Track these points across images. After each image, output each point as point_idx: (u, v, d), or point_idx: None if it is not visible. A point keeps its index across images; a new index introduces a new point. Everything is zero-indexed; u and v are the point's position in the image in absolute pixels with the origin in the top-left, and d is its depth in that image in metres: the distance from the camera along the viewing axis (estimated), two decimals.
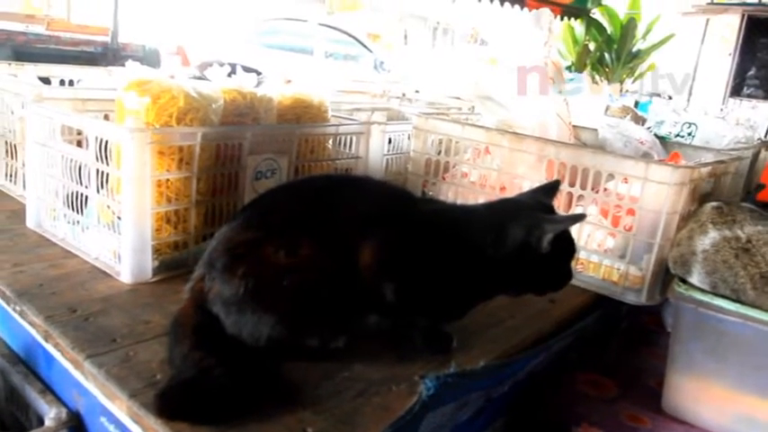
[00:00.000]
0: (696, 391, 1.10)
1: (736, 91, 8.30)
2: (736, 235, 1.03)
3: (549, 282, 0.91)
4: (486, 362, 0.85)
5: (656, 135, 1.63)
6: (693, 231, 1.08)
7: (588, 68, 8.32)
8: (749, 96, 8.33)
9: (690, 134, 1.72)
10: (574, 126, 1.51)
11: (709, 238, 1.05)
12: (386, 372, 0.82)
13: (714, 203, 1.12)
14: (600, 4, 7.57)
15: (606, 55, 8.37)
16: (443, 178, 1.38)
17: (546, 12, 1.27)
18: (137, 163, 0.99)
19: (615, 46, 8.31)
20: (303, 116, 1.32)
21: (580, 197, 1.22)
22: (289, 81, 1.37)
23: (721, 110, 7.93)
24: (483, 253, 0.85)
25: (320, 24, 7.81)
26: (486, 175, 1.32)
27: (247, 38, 7.29)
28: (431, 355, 0.88)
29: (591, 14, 7.71)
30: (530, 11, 6.27)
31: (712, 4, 7.72)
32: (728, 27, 7.96)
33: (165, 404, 0.71)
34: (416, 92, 2.81)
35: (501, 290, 0.91)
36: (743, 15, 7.75)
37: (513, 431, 1.03)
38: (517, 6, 5.70)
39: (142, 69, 1.11)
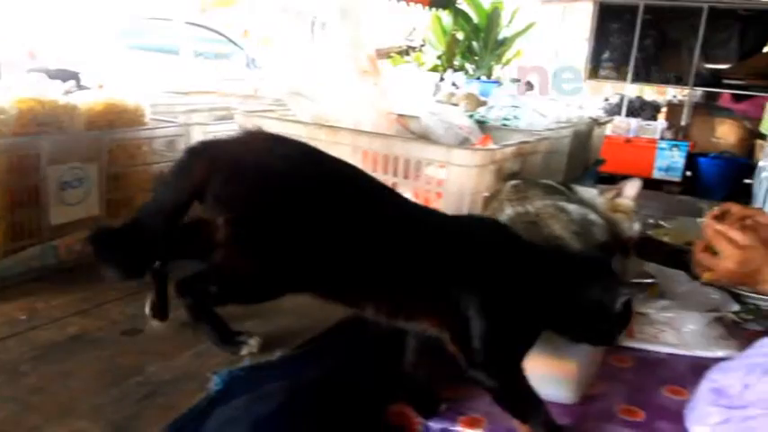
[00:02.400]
0: None
1: (594, 73, 8.87)
2: (527, 210, 1.11)
3: (598, 336, 0.95)
4: (284, 353, 0.87)
5: (481, 120, 1.73)
6: (494, 209, 1.16)
7: (458, 57, 8.64)
8: (605, 78, 8.92)
9: (516, 117, 1.83)
10: (402, 115, 1.56)
11: (505, 215, 1.13)
12: (178, 371, 0.82)
13: (513, 182, 1.20)
14: None
15: (474, 43, 8.71)
16: None
17: (356, 4, 1.29)
18: None
19: (482, 35, 8.67)
20: (117, 122, 1.29)
21: (396, 184, 1.27)
22: (101, 86, 1.33)
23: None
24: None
25: (187, 23, 7.59)
26: None
27: (108, 39, 6.96)
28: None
29: (457, 5, 7.95)
30: (407, 5, 6.45)
31: None
32: (583, 14, 8.48)
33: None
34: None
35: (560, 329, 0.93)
36: (595, 2, 8.29)
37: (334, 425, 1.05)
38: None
39: None
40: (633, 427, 1.04)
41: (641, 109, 8.75)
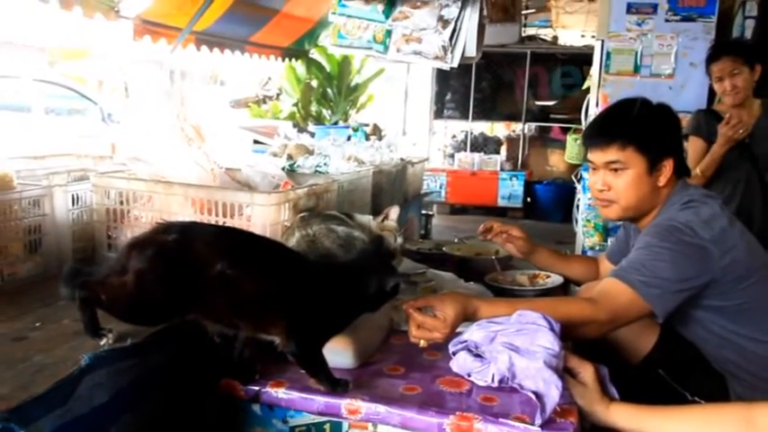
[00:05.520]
0: None
1: (439, 113, 9.64)
2: (308, 232, 1.59)
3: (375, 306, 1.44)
4: (135, 341, 1.28)
5: (292, 169, 2.22)
6: (288, 234, 1.63)
7: (314, 104, 9.11)
8: (450, 117, 9.75)
9: (326, 164, 2.32)
10: (230, 168, 2.01)
11: (295, 237, 1.60)
12: (58, 358, 1.20)
13: (301, 214, 1.68)
14: (316, 45, 8.32)
15: (329, 90, 9.17)
16: (122, 222, 1.78)
17: (178, 86, 1.71)
18: None
19: (335, 82, 9.13)
20: None
21: (225, 222, 1.69)
22: None
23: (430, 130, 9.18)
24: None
25: (35, 80, 7.53)
26: (153, 215, 1.74)
27: None
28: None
29: (310, 55, 8.43)
30: (250, 56, 6.82)
31: None
32: None
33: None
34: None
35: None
36: None
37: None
38: (237, 52, 6.21)
39: None
40: (395, 378, 1.53)
41: (484, 144, 9.66)
